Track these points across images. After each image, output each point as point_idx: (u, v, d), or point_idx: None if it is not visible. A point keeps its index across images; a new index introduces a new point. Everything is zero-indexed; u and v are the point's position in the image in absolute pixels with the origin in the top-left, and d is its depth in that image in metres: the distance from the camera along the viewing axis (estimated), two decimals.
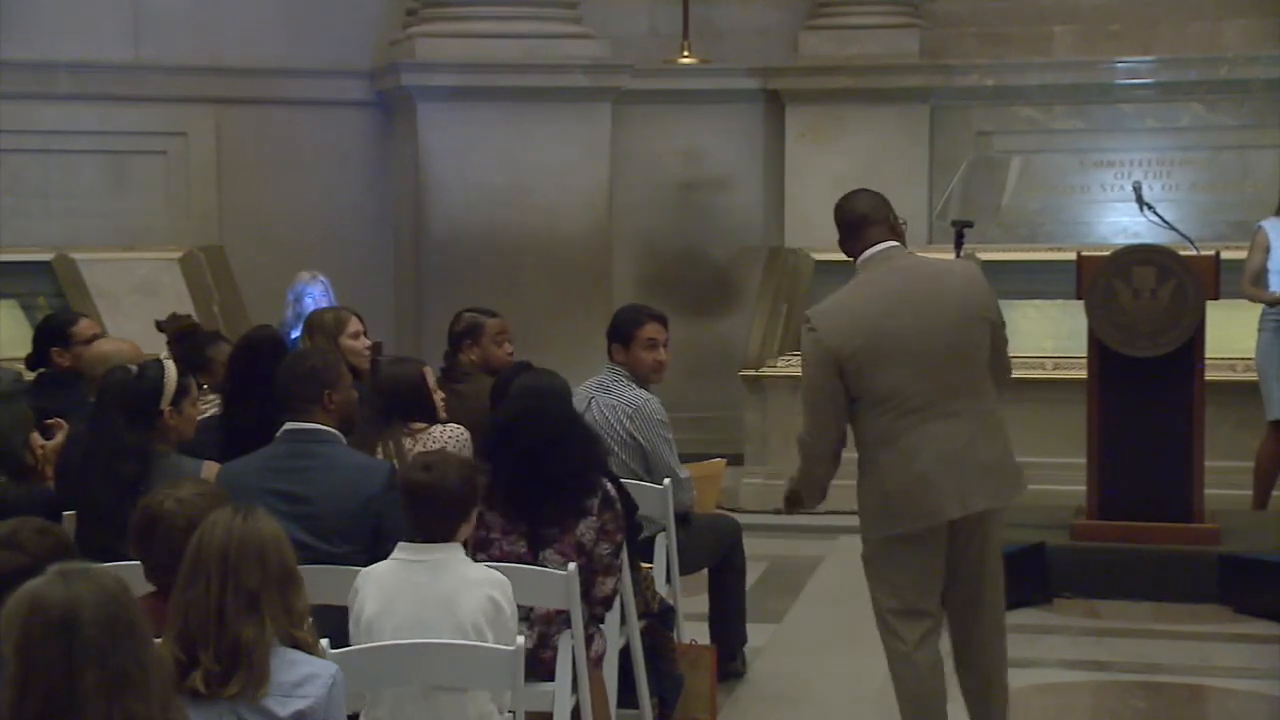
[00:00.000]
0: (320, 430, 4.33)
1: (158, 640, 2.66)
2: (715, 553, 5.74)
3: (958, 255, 6.75)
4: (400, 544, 3.79)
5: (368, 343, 5.77)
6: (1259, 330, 7.51)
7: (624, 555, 4.59)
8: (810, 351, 4.37)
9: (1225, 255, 6.94)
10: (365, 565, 4.04)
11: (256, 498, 3.98)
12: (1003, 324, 4.49)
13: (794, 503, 4.59)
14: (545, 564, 4.33)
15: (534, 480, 4.34)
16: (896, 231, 4.51)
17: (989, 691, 4.51)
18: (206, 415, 5.08)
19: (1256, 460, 7.51)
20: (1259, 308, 7.52)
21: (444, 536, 3.75)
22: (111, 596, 2.31)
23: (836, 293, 4.50)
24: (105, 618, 2.28)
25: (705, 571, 5.78)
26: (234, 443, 4.69)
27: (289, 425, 4.33)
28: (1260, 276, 7.45)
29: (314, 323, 5.84)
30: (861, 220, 4.48)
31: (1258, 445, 7.55)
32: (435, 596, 3.67)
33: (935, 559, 4.39)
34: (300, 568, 3.06)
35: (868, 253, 4.45)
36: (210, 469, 4.35)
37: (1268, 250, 7.43)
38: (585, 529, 4.37)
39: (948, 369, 4.32)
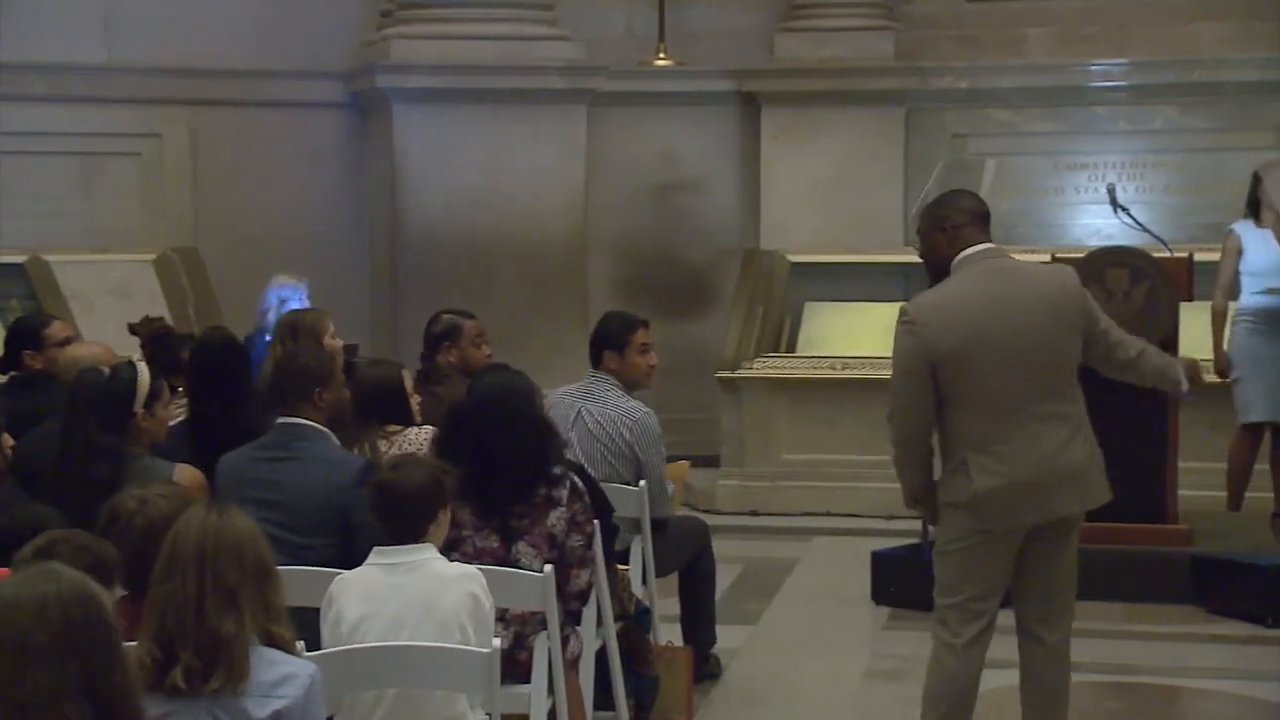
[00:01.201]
0: (305, 425, 4.42)
1: (130, 644, 2.64)
2: (687, 555, 5.75)
3: None
4: (375, 549, 3.80)
5: (340, 343, 5.79)
6: (1231, 330, 7.48)
7: (599, 551, 4.59)
8: (907, 346, 4.32)
9: (1199, 257, 6.97)
10: (337, 560, 4.10)
11: (241, 487, 4.21)
12: (1103, 320, 4.48)
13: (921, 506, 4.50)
14: (518, 556, 4.33)
15: (487, 468, 4.34)
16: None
17: (1050, 703, 4.50)
18: (180, 419, 5.07)
19: (1229, 462, 7.51)
20: (1232, 309, 7.50)
21: (414, 537, 3.78)
22: (76, 599, 2.29)
23: (932, 290, 4.45)
24: (64, 621, 2.27)
25: (675, 574, 5.79)
26: (201, 443, 4.70)
27: (279, 419, 4.45)
28: (1233, 284, 7.40)
29: (295, 323, 5.84)
30: (972, 219, 4.43)
31: (1229, 447, 7.56)
32: (415, 597, 3.70)
33: (1007, 560, 4.40)
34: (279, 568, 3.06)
35: (967, 253, 4.40)
36: (183, 471, 4.34)
37: (1240, 254, 7.40)
38: (556, 520, 4.37)
39: (1041, 373, 4.34)
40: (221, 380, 4.98)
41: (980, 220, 4.45)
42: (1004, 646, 6.31)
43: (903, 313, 4.39)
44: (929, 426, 4.36)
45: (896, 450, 4.42)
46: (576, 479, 4.47)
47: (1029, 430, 4.31)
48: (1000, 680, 5.84)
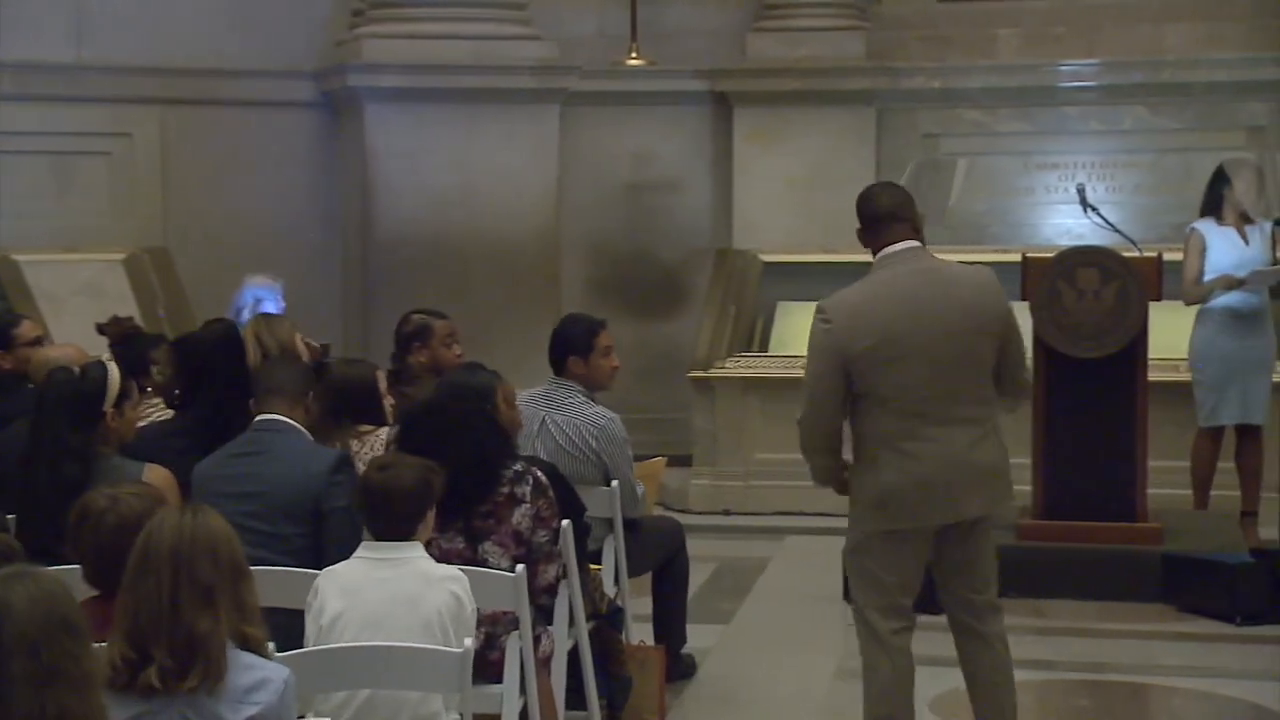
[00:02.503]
0: (278, 420, 4.48)
1: (100, 644, 2.63)
2: (661, 555, 5.75)
3: None
4: (363, 544, 3.84)
5: (314, 343, 5.80)
6: (1195, 327, 7.42)
7: (570, 545, 4.59)
8: (820, 343, 4.34)
9: (1168, 257, 7.00)
10: (311, 549, 4.16)
11: (218, 483, 4.30)
12: (1016, 338, 4.47)
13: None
14: (485, 556, 4.32)
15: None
16: (918, 230, 4.47)
17: (997, 695, 4.51)
18: (149, 420, 5.04)
19: (1193, 463, 7.48)
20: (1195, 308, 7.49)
21: (403, 535, 3.82)
22: (48, 594, 2.29)
23: (852, 286, 4.45)
24: (39, 614, 2.27)
25: (648, 573, 5.80)
26: (191, 445, 4.67)
27: (257, 417, 4.51)
28: (1199, 281, 7.35)
29: (260, 335, 5.82)
30: (886, 216, 4.43)
31: (1190, 448, 7.50)
32: (399, 594, 3.73)
33: (918, 559, 4.42)
34: (252, 569, 3.06)
35: (887, 250, 4.41)
36: (153, 471, 4.32)
37: (1204, 252, 7.35)
38: (521, 517, 4.37)
39: (954, 374, 4.35)
40: (212, 379, 4.95)
41: (901, 217, 4.43)
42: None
43: (820, 310, 4.38)
44: (839, 422, 4.37)
45: (805, 440, 4.43)
46: (539, 474, 4.45)
47: (939, 431, 4.32)
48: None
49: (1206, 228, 7.38)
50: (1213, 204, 7.43)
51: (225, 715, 2.81)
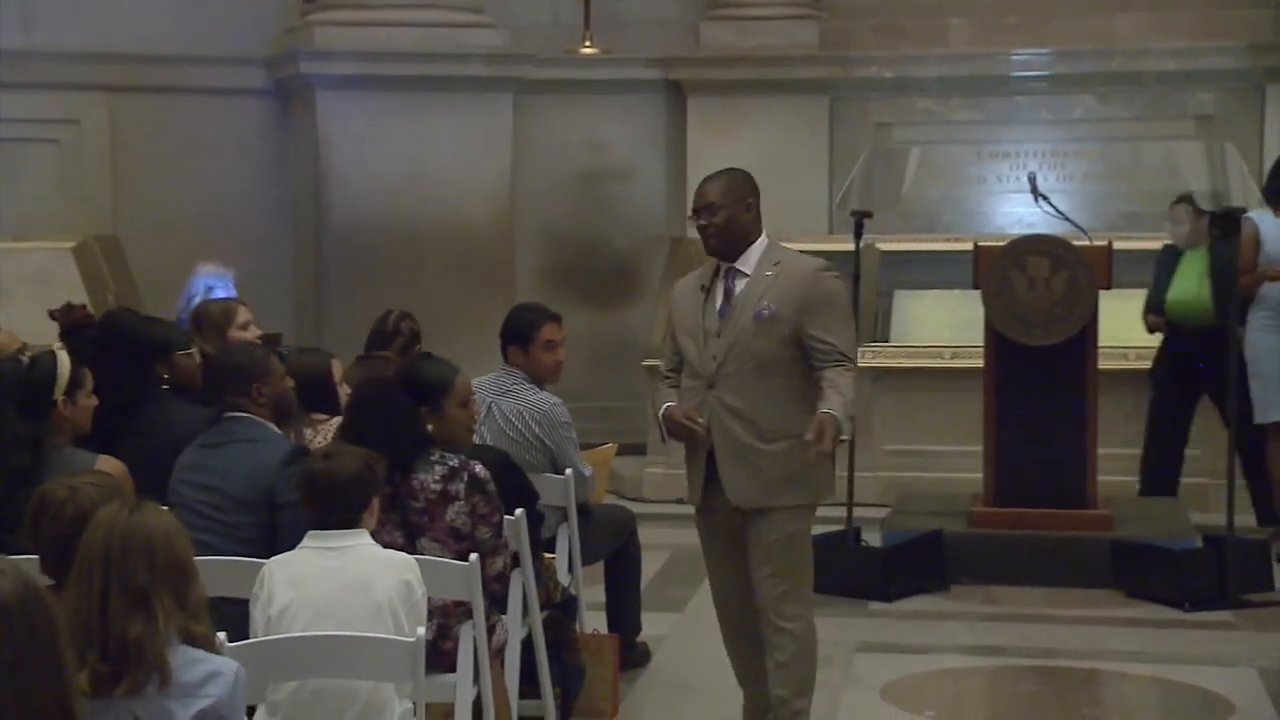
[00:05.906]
0: (241, 416, 4.50)
1: None
2: (613, 543, 5.76)
3: (857, 245, 6.82)
4: (309, 533, 3.82)
5: (257, 333, 5.75)
6: (1249, 322, 7.15)
7: (524, 536, 4.58)
8: (846, 290, 4.69)
9: (1118, 245, 7.05)
10: (264, 538, 4.17)
11: (185, 472, 4.40)
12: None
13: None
14: (423, 551, 4.31)
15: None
16: None
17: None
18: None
19: (1270, 466, 7.28)
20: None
21: (349, 523, 3.80)
22: (24, 585, 2.26)
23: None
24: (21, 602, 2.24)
25: (601, 562, 5.80)
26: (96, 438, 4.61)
27: (224, 414, 4.55)
28: (1251, 271, 7.09)
29: (201, 314, 5.81)
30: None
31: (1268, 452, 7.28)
32: (349, 580, 3.72)
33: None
34: (201, 560, 3.03)
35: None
36: (105, 462, 4.29)
37: (1258, 242, 7.10)
38: (455, 514, 4.33)
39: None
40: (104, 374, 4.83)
41: None
42: (917, 632, 6.39)
43: (829, 268, 4.59)
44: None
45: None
46: (477, 469, 4.38)
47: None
48: (919, 665, 5.92)
49: (1260, 218, 7.16)
50: (1274, 193, 7.19)
51: (175, 710, 2.77)
